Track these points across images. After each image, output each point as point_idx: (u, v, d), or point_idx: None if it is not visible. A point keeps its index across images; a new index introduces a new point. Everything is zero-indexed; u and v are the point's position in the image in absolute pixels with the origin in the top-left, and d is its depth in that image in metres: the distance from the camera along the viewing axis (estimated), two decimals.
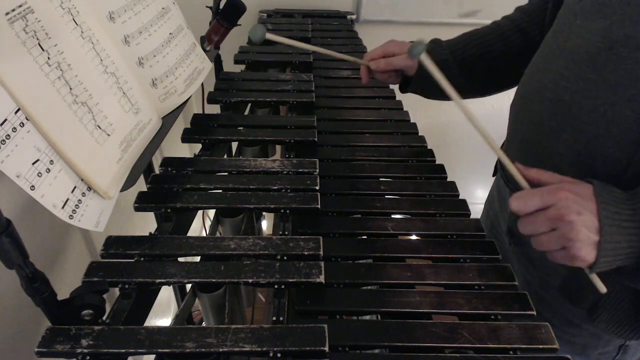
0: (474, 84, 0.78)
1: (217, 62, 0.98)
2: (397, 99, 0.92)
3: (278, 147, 0.95)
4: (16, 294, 0.44)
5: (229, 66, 1.02)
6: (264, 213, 0.85)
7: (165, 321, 1.26)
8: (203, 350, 0.42)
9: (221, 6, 0.87)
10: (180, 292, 0.94)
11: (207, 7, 0.91)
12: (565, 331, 0.68)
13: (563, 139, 0.58)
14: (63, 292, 0.46)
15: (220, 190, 0.62)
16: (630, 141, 0.52)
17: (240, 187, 0.63)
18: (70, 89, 0.50)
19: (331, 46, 1.19)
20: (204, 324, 0.64)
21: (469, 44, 0.77)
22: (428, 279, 0.53)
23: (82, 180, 0.50)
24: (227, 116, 0.82)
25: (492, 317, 0.49)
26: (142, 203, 0.60)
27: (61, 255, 0.68)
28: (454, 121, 1.86)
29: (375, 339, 0.46)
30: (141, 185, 0.61)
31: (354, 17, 1.50)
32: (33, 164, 0.44)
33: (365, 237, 0.59)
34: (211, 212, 0.69)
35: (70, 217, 0.47)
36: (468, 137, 1.90)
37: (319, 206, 0.60)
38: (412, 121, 0.84)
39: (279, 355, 0.42)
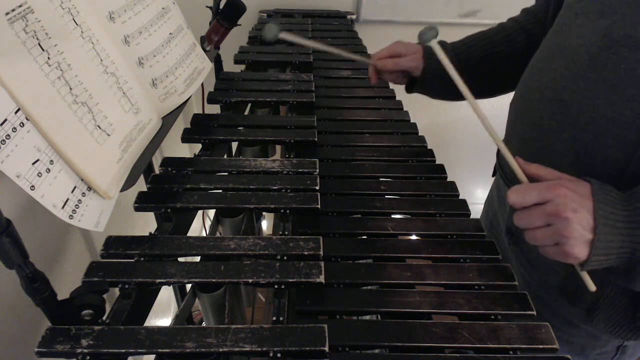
0: (480, 85, 0.78)
1: (217, 62, 0.98)
2: (397, 99, 0.92)
3: (278, 147, 0.95)
4: (16, 294, 0.44)
5: (229, 66, 1.02)
6: (264, 213, 0.85)
7: (165, 321, 1.26)
8: (203, 350, 0.42)
9: (221, 6, 0.87)
10: (180, 292, 0.94)
11: (207, 7, 0.91)
12: (564, 331, 0.68)
13: (562, 138, 0.58)
14: (63, 292, 0.46)
15: (220, 190, 0.62)
16: (629, 141, 0.52)
17: (240, 187, 0.63)
18: (70, 89, 0.50)
19: (331, 46, 1.19)
20: (204, 324, 0.64)
21: (474, 45, 0.77)
22: (428, 279, 0.53)
23: (82, 180, 0.50)
24: (227, 116, 0.82)
25: (492, 317, 0.49)
26: (142, 203, 0.60)
27: (61, 255, 0.68)
28: (454, 121, 1.86)
29: (375, 339, 0.46)
30: (141, 185, 0.61)
31: (354, 17, 1.50)
32: (33, 164, 0.44)
33: (365, 237, 0.59)
34: (211, 212, 0.69)
35: (70, 217, 0.47)
36: (468, 137, 1.90)
37: (319, 206, 0.60)
38: (412, 121, 0.84)
39: (279, 355, 0.42)
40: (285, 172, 0.66)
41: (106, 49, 0.58)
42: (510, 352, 0.46)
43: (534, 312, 0.49)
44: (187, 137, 0.74)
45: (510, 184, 0.72)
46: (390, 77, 0.80)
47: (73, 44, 0.52)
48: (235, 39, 1.04)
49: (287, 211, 0.60)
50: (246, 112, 0.92)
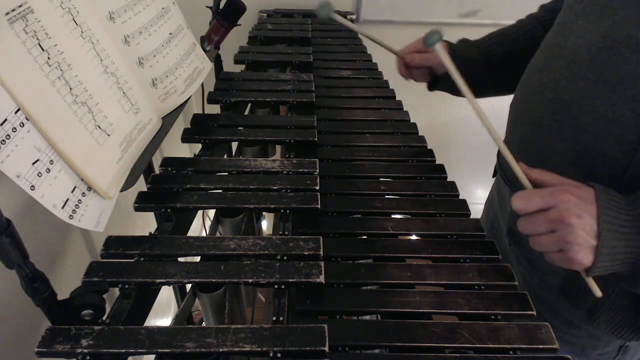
0: (503, 81, 0.78)
1: (217, 62, 0.98)
2: (397, 99, 0.92)
3: (278, 147, 0.95)
4: (16, 294, 0.44)
5: (229, 66, 1.02)
6: (264, 213, 0.85)
7: (165, 321, 1.26)
8: (203, 350, 0.42)
9: (221, 6, 0.87)
10: (180, 292, 0.94)
11: (207, 7, 0.91)
12: (565, 332, 0.68)
13: (563, 138, 0.58)
14: (63, 292, 0.46)
15: (220, 190, 0.62)
16: (630, 141, 0.52)
17: (240, 187, 0.63)
18: (70, 89, 0.50)
19: (331, 46, 1.19)
20: (204, 324, 0.64)
21: (495, 42, 0.78)
22: (428, 279, 0.53)
23: (82, 180, 0.50)
24: (227, 116, 0.82)
25: (492, 317, 0.49)
26: (142, 203, 0.60)
27: (61, 255, 0.68)
28: (454, 121, 1.86)
29: (375, 339, 0.46)
30: (141, 185, 0.61)
31: (354, 17, 1.50)
32: (33, 164, 0.44)
33: (365, 237, 0.59)
34: (211, 212, 0.69)
35: (70, 217, 0.47)
36: (468, 137, 1.90)
37: (319, 206, 0.60)
38: (412, 121, 0.84)
39: (279, 355, 0.42)
40: (285, 172, 0.66)
41: (106, 49, 0.58)
42: (510, 352, 0.45)
43: (534, 312, 0.49)
44: (187, 137, 0.74)
45: (510, 184, 0.72)
46: (416, 73, 0.80)
47: (73, 44, 0.52)
48: (235, 39, 1.04)
49: (287, 211, 0.60)
50: (246, 112, 0.92)
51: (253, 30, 1.23)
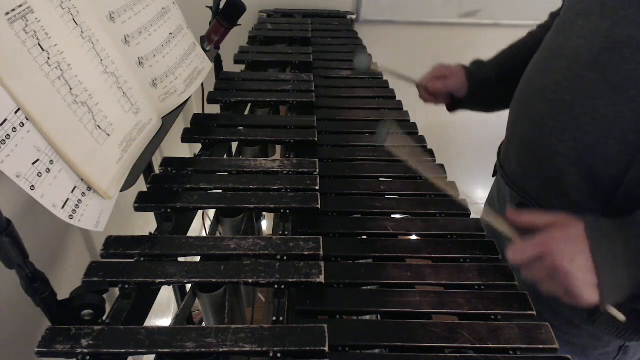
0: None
1: (217, 62, 0.98)
2: (397, 99, 0.92)
3: (278, 147, 0.95)
4: (16, 294, 0.44)
5: (229, 66, 1.02)
6: (264, 213, 0.85)
7: (165, 321, 1.26)
8: (203, 350, 0.42)
9: (221, 6, 0.87)
10: (180, 292, 0.94)
11: (207, 7, 0.91)
12: (565, 332, 0.68)
13: (564, 139, 0.58)
14: (63, 292, 0.46)
15: (220, 190, 0.62)
16: (631, 142, 0.52)
17: (240, 187, 0.63)
18: (70, 89, 0.50)
19: (331, 46, 1.19)
20: (204, 324, 0.64)
21: (509, 58, 0.80)
22: (428, 279, 0.53)
23: (82, 180, 0.50)
24: (227, 116, 0.82)
25: (492, 317, 0.49)
26: (142, 203, 0.60)
27: (61, 255, 0.68)
28: (454, 121, 1.85)
29: (375, 339, 0.46)
30: (141, 185, 0.61)
31: (354, 17, 1.50)
32: (33, 164, 0.44)
33: (365, 237, 0.59)
34: (211, 212, 0.69)
35: (70, 217, 0.47)
36: (468, 137, 1.90)
37: (319, 206, 0.60)
38: (412, 121, 0.84)
39: (279, 355, 0.42)
40: (285, 172, 0.66)
41: (106, 49, 0.58)
42: (510, 352, 0.46)
43: (534, 312, 0.49)
44: (187, 137, 0.74)
45: (511, 184, 0.72)
46: (438, 97, 0.84)
47: (73, 44, 0.52)
48: (235, 39, 1.04)
49: (287, 211, 0.60)
50: (246, 112, 0.92)
51: (253, 30, 1.23)
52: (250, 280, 0.49)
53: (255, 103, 0.87)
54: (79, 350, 0.42)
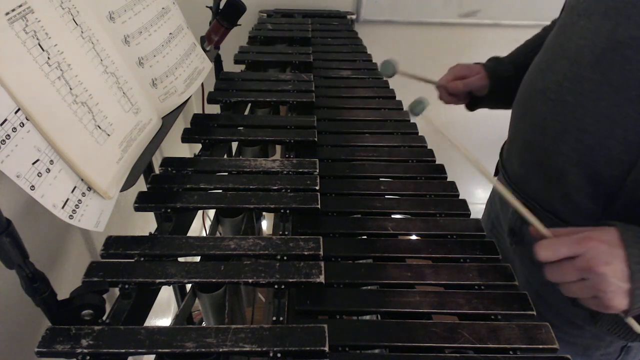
0: None
1: (217, 62, 0.98)
2: (397, 99, 0.92)
3: (278, 147, 0.95)
4: (16, 294, 0.44)
5: (229, 66, 1.02)
6: (264, 213, 0.85)
7: (165, 321, 1.26)
8: (203, 350, 0.42)
9: (221, 6, 0.87)
10: (180, 292, 0.94)
11: (207, 7, 0.91)
12: (567, 332, 0.68)
13: (566, 139, 0.58)
14: (63, 292, 0.46)
15: (220, 190, 0.62)
16: (633, 142, 0.52)
17: (240, 187, 0.63)
18: (70, 89, 0.50)
19: (331, 46, 1.19)
20: (204, 324, 0.64)
21: (526, 54, 0.79)
22: (428, 279, 0.53)
23: (82, 180, 0.50)
24: (227, 116, 0.82)
25: (492, 317, 0.49)
26: (142, 203, 0.60)
27: (61, 255, 0.68)
28: (454, 121, 1.86)
29: (375, 339, 0.46)
30: (141, 185, 0.61)
31: (354, 17, 1.50)
32: (33, 164, 0.44)
33: (365, 237, 0.59)
34: (211, 212, 0.69)
35: (70, 217, 0.47)
36: (468, 137, 1.90)
37: (319, 206, 0.60)
38: (412, 121, 0.84)
39: (279, 355, 0.42)
40: (285, 172, 0.66)
41: (106, 49, 0.58)
42: (510, 352, 0.45)
43: (534, 312, 0.49)
44: (187, 137, 0.74)
45: (512, 183, 0.72)
46: (459, 97, 0.84)
47: (73, 44, 0.52)
48: (235, 39, 1.04)
49: (287, 211, 0.60)
50: (246, 112, 0.92)
51: (253, 30, 1.23)
52: (250, 280, 0.49)
53: (255, 103, 0.87)
54: (79, 350, 0.42)
